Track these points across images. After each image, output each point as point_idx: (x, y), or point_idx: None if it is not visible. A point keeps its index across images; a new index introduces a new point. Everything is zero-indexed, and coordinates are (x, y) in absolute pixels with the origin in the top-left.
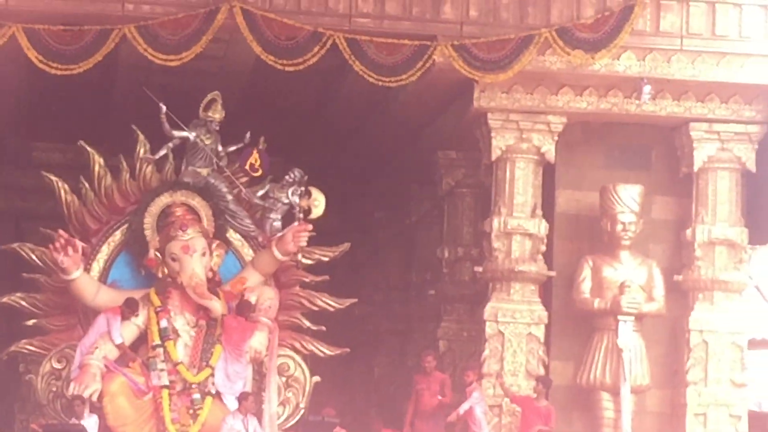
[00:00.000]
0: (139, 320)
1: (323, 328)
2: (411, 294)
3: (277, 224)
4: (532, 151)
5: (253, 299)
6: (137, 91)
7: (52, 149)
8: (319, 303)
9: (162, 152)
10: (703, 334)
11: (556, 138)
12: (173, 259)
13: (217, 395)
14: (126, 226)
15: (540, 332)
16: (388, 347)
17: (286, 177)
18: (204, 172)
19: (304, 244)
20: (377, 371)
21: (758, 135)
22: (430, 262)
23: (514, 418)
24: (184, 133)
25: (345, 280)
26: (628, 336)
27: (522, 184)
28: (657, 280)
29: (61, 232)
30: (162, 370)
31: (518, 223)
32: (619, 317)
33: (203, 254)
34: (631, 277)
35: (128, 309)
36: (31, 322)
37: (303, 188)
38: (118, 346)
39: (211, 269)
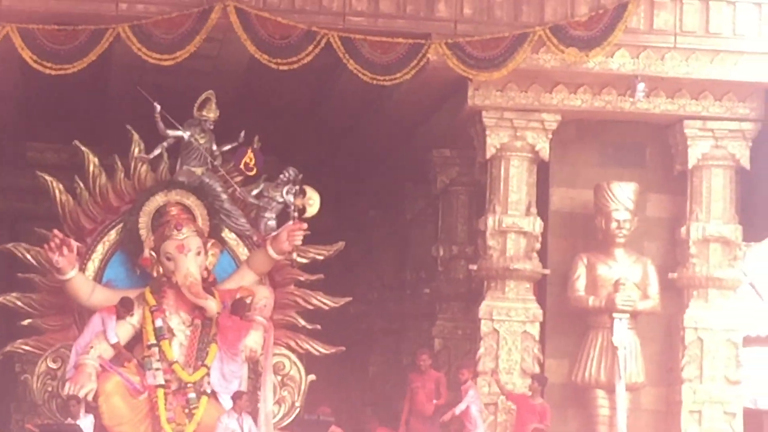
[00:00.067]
0: (134, 320)
1: (318, 326)
2: (406, 292)
3: (272, 223)
4: (526, 149)
5: (248, 298)
6: (131, 91)
7: (46, 149)
8: (314, 302)
9: (156, 152)
10: (698, 331)
11: (550, 136)
12: (168, 259)
13: (213, 394)
14: (121, 225)
15: (535, 330)
16: (383, 346)
17: (281, 176)
18: (199, 171)
19: (299, 242)
20: (372, 370)
21: (752, 132)
22: (425, 260)
23: (509, 416)
24: (179, 133)
25: (340, 279)
26: (623, 334)
27: (516, 182)
28: (652, 277)
29: (56, 231)
30: (157, 369)
31: (513, 221)
32: (614, 315)
33: (198, 253)
34: (626, 275)
35: (123, 308)
36: (26, 322)
37: (297, 187)
38: (114, 346)
39: (206, 268)
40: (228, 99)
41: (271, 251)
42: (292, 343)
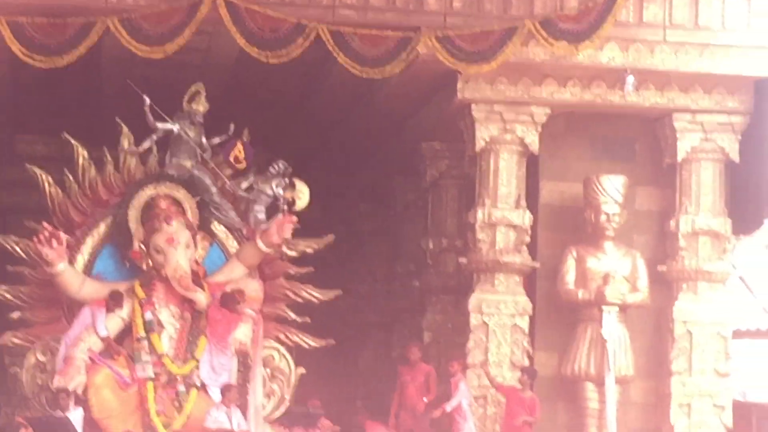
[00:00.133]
0: (123, 312)
1: (308, 319)
2: (395, 285)
3: (262, 216)
4: (515, 142)
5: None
6: (121, 84)
7: (36, 141)
8: (304, 295)
9: (146, 144)
10: (687, 324)
11: (539, 129)
12: (158, 252)
13: (202, 387)
14: (110, 218)
15: (524, 323)
16: (373, 339)
17: (270, 169)
18: (188, 164)
19: (289, 235)
20: (362, 363)
21: (741, 125)
22: (415, 253)
23: (498, 409)
24: (168, 126)
25: (329, 272)
26: (612, 327)
27: (506, 175)
28: (641, 270)
29: (45, 224)
30: (147, 362)
31: (502, 214)
32: (603, 308)
33: (188, 246)
34: (615, 268)
35: (113, 301)
36: (15, 315)
37: (287, 180)
38: (103, 339)
39: (196, 261)
40: (218, 92)
41: (260, 244)
42: (282, 336)
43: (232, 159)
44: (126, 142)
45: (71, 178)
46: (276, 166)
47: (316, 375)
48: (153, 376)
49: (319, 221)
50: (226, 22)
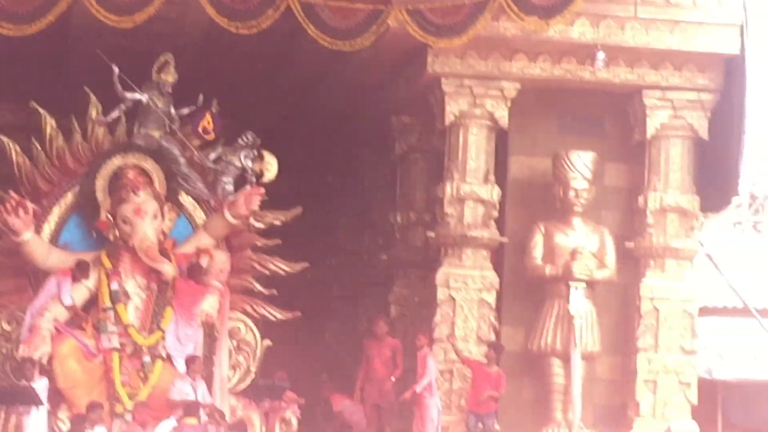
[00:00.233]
0: (89, 283)
1: (275, 292)
2: (363, 259)
3: (230, 187)
4: (485, 116)
5: (204, 263)
6: (90, 53)
7: (3, 110)
8: (271, 267)
9: (114, 114)
10: (654, 301)
11: (509, 104)
12: (125, 222)
13: (168, 358)
14: (77, 188)
15: (491, 298)
16: (339, 312)
17: (239, 140)
18: (156, 134)
19: (256, 207)
20: (328, 336)
21: (711, 103)
22: (383, 227)
23: (464, 384)
24: (137, 96)
25: (297, 245)
26: (579, 302)
27: (475, 150)
28: (609, 247)
29: (12, 193)
30: (112, 332)
31: (471, 189)
32: (571, 284)
33: (155, 217)
34: (583, 244)
35: (79, 271)
36: None
37: (256, 152)
38: (69, 308)
39: (163, 232)
40: (187, 62)
41: (228, 216)
42: (249, 308)
43: (200, 130)
44: (94, 111)
45: (39, 147)
46: (245, 138)
47: (282, 347)
48: (118, 346)
49: (287, 194)
50: None
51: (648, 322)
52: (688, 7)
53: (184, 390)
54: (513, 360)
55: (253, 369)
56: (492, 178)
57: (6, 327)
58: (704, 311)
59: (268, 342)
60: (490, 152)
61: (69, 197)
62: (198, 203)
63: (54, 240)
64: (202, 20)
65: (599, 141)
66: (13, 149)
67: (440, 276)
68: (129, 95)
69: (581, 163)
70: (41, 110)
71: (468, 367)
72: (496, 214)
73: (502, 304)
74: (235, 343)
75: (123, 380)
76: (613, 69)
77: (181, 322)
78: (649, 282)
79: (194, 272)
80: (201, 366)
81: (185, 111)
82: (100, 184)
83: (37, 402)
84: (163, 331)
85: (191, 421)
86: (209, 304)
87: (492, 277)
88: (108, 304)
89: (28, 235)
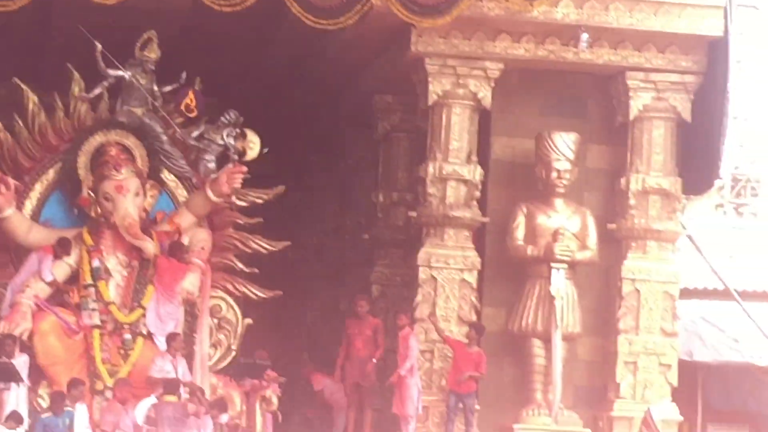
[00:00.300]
0: (71, 259)
1: (256, 270)
2: (345, 238)
3: (212, 165)
4: (468, 96)
5: (186, 240)
6: (73, 29)
7: None
8: (253, 245)
9: (97, 91)
10: (636, 282)
11: (492, 84)
12: (106, 199)
13: (149, 336)
14: (59, 164)
15: (473, 278)
16: (320, 291)
17: (222, 118)
18: (139, 111)
19: (238, 186)
20: (310, 315)
21: (694, 85)
22: (365, 206)
23: (445, 363)
24: (120, 72)
25: (279, 223)
26: (561, 283)
27: (458, 130)
28: (590, 228)
29: None
30: (93, 309)
31: (453, 169)
32: (552, 265)
33: (137, 194)
34: (565, 225)
35: (60, 248)
36: None
37: (238, 130)
38: (50, 284)
39: (145, 209)
40: (170, 40)
41: (210, 194)
42: (230, 287)
43: (183, 107)
44: (77, 88)
45: (21, 123)
46: (227, 116)
47: (263, 326)
48: (99, 323)
49: (270, 172)
50: None
51: (629, 304)
52: None
53: (164, 368)
54: (494, 340)
55: (233, 347)
56: (474, 158)
57: None
58: (685, 293)
59: (249, 320)
60: (472, 132)
61: (51, 174)
62: (180, 181)
63: (35, 216)
64: None
65: (582, 122)
66: None
67: (422, 256)
68: (112, 72)
69: (564, 144)
70: (24, 86)
71: (449, 346)
72: (478, 194)
73: (484, 285)
74: (216, 321)
75: (103, 357)
76: (597, 50)
77: (162, 299)
78: (630, 264)
79: (176, 250)
80: (182, 344)
81: (168, 88)
82: (82, 160)
83: (17, 378)
84: (144, 309)
85: (171, 398)
86: (190, 282)
87: (474, 257)
88: (89, 281)
89: (9, 212)
